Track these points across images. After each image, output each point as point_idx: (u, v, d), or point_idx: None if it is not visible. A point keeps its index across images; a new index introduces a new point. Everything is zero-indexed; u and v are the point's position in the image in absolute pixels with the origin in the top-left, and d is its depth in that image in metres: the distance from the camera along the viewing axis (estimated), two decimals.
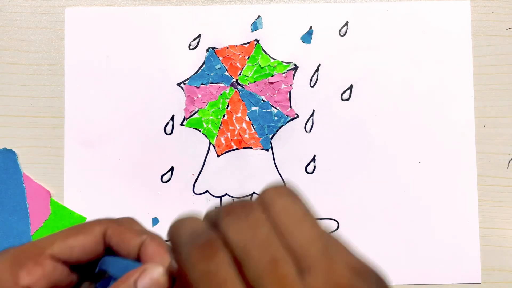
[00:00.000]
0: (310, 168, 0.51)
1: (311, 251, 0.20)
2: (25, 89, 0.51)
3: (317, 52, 0.51)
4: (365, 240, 0.50)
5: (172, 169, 0.51)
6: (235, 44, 0.51)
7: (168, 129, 0.51)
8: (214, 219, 0.22)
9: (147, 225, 0.50)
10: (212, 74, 0.51)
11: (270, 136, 0.51)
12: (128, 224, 0.29)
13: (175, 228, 0.23)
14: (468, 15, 0.51)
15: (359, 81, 0.51)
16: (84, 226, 0.28)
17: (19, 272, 0.26)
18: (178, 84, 0.51)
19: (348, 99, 0.51)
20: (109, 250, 0.28)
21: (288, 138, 0.51)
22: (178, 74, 0.51)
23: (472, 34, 0.51)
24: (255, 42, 0.51)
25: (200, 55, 0.51)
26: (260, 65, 0.51)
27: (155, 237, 0.28)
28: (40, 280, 0.26)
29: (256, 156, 0.51)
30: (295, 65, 0.51)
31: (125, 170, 0.50)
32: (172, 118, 0.51)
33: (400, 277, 0.50)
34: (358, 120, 0.51)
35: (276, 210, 0.21)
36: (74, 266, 0.28)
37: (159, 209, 0.50)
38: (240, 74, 0.51)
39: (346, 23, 0.51)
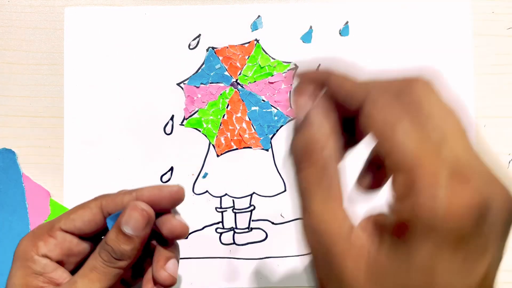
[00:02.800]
0: None
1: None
2: (25, 89, 0.51)
3: (317, 52, 0.51)
4: None
5: (172, 169, 0.51)
6: (235, 44, 0.51)
7: (168, 129, 0.51)
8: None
9: None
10: (212, 74, 0.51)
11: (270, 136, 0.51)
12: (117, 192, 0.37)
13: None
14: (468, 15, 0.51)
15: None
16: (83, 204, 0.36)
17: (38, 243, 0.34)
18: (178, 84, 0.51)
19: None
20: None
21: (288, 138, 0.51)
22: (178, 74, 0.51)
23: (472, 34, 0.51)
24: (255, 42, 0.51)
25: (200, 55, 0.51)
26: (260, 65, 0.51)
27: (144, 187, 0.35)
28: (54, 248, 0.34)
29: (256, 156, 0.51)
30: (295, 65, 0.51)
31: (125, 170, 0.50)
32: (172, 118, 0.51)
33: None
34: None
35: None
36: (85, 238, 0.35)
37: None
38: (240, 74, 0.51)
39: (346, 23, 0.51)
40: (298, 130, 0.24)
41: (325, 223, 0.22)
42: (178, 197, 0.34)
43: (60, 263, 0.35)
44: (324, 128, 0.24)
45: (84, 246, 0.36)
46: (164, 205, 0.34)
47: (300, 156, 0.24)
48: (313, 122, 0.24)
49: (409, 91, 0.22)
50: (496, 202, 0.21)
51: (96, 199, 0.36)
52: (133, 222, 0.32)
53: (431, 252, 0.20)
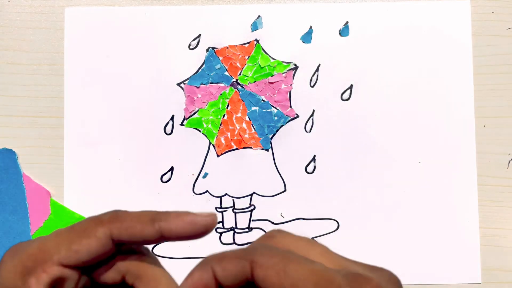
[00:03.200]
0: (310, 168, 0.51)
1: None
2: (25, 89, 0.51)
3: (317, 52, 0.51)
4: (365, 240, 0.50)
5: (172, 169, 0.51)
6: (235, 44, 0.51)
7: (168, 129, 0.51)
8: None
9: None
10: (212, 74, 0.51)
11: (270, 136, 0.51)
12: (127, 216, 0.29)
13: None
14: (468, 15, 0.51)
15: (359, 81, 0.51)
16: (86, 228, 0.28)
17: (29, 280, 0.26)
18: (178, 84, 0.51)
19: (348, 99, 0.51)
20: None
21: (288, 138, 0.51)
22: (178, 74, 0.51)
23: (472, 34, 0.51)
24: (255, 42, 0.51)
25: (200, 55, 0.51)
26: (260, 65, 0.51)
27: (162, 215, 0.29)
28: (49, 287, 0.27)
29: (256, 156, 0.51)
30: (295, 65, 0.51)
31: (125, 170, 0.50)
32: (172, 118, 0.51)
33: (400, 277, 0.50)
34: (358, 120, 0.51)
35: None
36: (86, 268, 0.28)
37: (159, 209, 0.50)
38: (240, 74, 0.51)
39: (346, 23, 0.51)
40: None
41: None
42: (211, 227, 0.28)
43: None
44: None
45: (82, 281, 0.28)
46: (193, 238, 0.29)
47: None
48: None
49: (272, 242, 0.26)
50: (386, 282, 0.25)
51: (102, 223, 0.28)
52: None
53: None
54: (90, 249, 0.27)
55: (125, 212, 0.29)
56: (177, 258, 0.50)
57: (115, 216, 0.28)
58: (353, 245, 0.50)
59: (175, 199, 0.50)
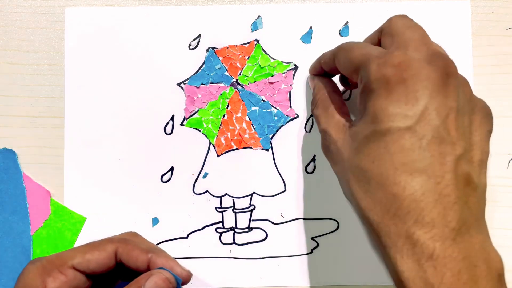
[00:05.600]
0: (310, 168, 0.51)
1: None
2: (25, 89, 0.51)
3: (317, 52, 0.51)
4: (365, 240, 0.50)
5: (172, 169, 0.51)
6: (235, 44, 0.51)
7: (168, 129, 0.51)
8: None
9: (147, 225, 0.50)
10: (212, 74, 0.51)
11: (270, 136, 0.51)
12: (135, 241, 0.37)
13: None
14: (468, 15, 0.51)
15: None
16: (99, 244, 0.36)
17: (47, 279, 0.33)
18: (178, 84, 0.51)
19: (348, 99, 0.51)
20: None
21: (288, 138, 0.51)
22: (178, 74, 0.51)
23: (472, 34, 0.51)
24: (255, 42, 0.51)
25: (200, 55, 0.51)
26: (260, 65, 0.51)
27: (160, 251, 0.37)
28: (63, 286, 0.33)
29: (256, 156, 0.51)
30: (295, 65, 0.51)
31: (125, 170, 0.50)
32: (172, 118, 0.51)
33: None
34: None
35: None
36: (89, 275, 0.35)
37: (159, 209, 0.50)
38: (240, 74, 0.51)
39: (346, 23, 0.51)
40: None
41: (326, 124, 0.40)
42: (185, 279, 0.37)
43: None
44: (320, 87, 0.43)
45: (88, 283, 0.36)
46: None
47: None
48: (314, 86, 0.44)
49: (388, 25, 0.38)
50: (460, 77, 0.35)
51: (112, 241, 0.36)
52: None
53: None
54: (99, 260, 0.35)
55: (134, 237, 0.39)
56: (177, 258, 0.50)
57: (124, 238, 0.36)
58: (353, 245, 0.50)
59: (175, 199, 0.50)
